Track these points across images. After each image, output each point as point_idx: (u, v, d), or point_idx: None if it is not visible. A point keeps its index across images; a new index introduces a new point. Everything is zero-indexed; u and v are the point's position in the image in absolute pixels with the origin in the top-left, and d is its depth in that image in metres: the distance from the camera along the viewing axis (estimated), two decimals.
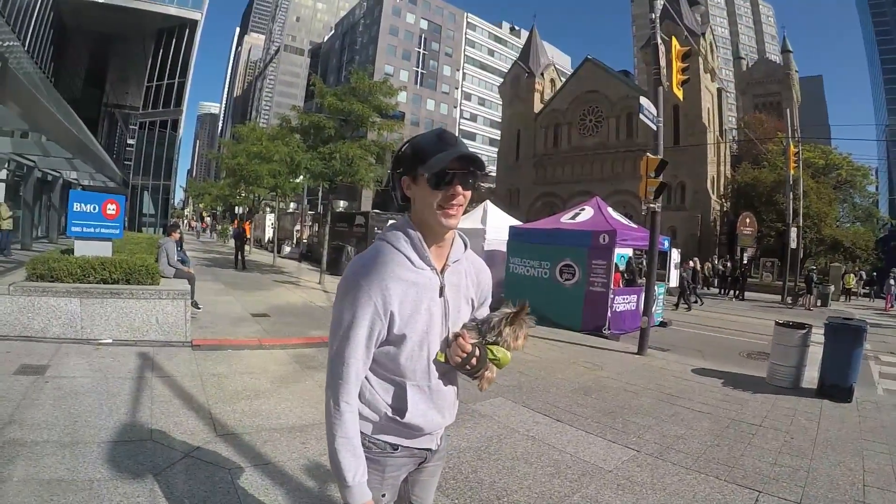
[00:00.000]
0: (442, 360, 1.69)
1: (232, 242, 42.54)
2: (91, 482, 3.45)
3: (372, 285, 1.57)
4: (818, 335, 7.93)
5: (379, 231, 13.66)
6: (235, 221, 39.31)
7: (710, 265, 30.89)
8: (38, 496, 3.21)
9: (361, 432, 1.65)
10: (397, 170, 1.72)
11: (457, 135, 1.70)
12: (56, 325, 7.19)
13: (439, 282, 1.69)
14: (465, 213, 1.67)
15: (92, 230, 8.53)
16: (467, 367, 1.68)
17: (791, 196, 27.37)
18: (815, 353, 7.94)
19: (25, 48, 26.32)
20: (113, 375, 5.84)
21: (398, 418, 1.68)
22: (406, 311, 1.61)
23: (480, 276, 1.89)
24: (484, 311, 1.92)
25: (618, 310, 12.08)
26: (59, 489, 3.32)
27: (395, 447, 1.74)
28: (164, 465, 3.80)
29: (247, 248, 34.98)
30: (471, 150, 1.59)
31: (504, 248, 14.38)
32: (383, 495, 1.74)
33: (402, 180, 1.69)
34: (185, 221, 64.13)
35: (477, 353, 1.68)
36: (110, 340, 7.28)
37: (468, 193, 1.63)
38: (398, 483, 1.82)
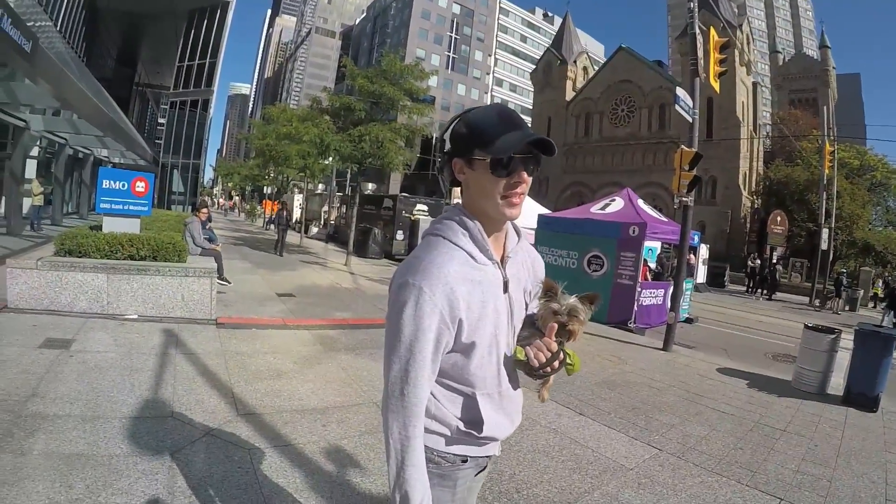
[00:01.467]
0: (521, 357, 1.48)
1: (260, 222, 43.20)
2: (111, 457, 3.47)
3: (436, 290, 1.35)
4: (846, 341, 7.74)
5: (406, 214, 13.64)
6: (274, 204, 39.60)
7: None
8: (58, 470, 3.23)
9: (430, 447, 1.49)
10: (447, 150, 1.51)
11: (514, 112, 1.48)
12: (83, 300, 7.28)
13: (503, 277, 1.51)
14: None
15: (120, 207, 8.60)
16: (546, 369, 1.46)
17: (824, 196, 26.74)
18: (842, 359, 7.74)
19: (57, 28, 26.65)
20: (137, 351, 5.89)
21: (475, 433, 1.51)
22: (474, 316, 1.42)
23: (536, 265, 1.72)
24: (534, 303, 1.67)
25: (644, 304, 11.93)
26: (79, 463, 3.34)
27: (465, 459, 1.56)
28: (184, 443, 3.81)
29: (273, 227, 35.63)
30: (535, 133, 1.40)
31: (532, 237, 14.27)
32: None
33: (454, 163, 1.48)
34: (214, 200, 64.85)
35: (561, 355, 1.47)
36: (136, 316, 7.36)
37: (530, 179, 1.44)
38: (466, 497, 1.64)
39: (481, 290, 1.43)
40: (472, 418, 1.52)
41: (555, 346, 1.46)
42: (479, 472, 1.66)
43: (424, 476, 1.40)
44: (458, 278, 1.38)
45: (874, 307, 27.14)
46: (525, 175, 1.41)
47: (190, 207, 34.79)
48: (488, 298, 1.45)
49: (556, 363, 1.47)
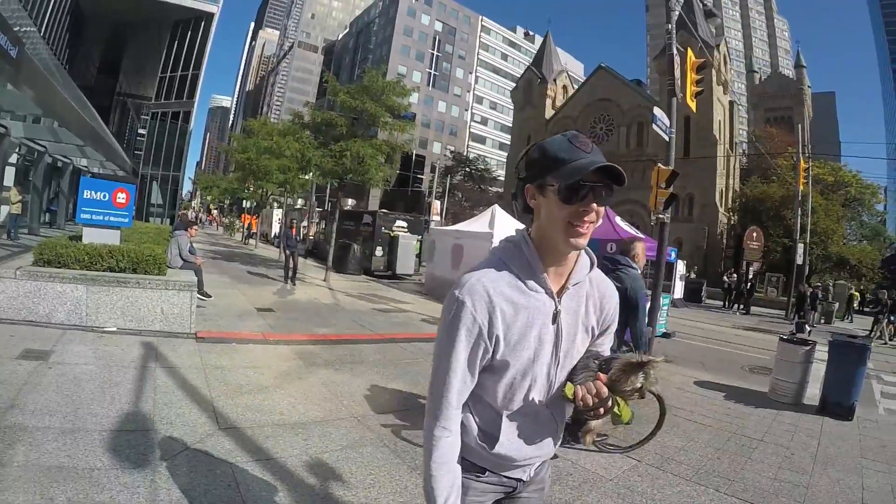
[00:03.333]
0: (569, 395, 1.48)
1: (238, 236, 42.77)
2: (91, 470, 3.45)
3: (478, 304, 1.41)
4: (821, 352, 7.91)
5: (385, 230, 13.69)
6: (253, 218, 39.07)
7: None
8: (38, 482, 3.21)
9: None
10: (521, 176, 1.52)
11: (588, 140, 1.46)
12: (61, 311, 7.21)
13: (554, 307, 1.51)
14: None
15: (101, 218, 8.56)
16: (591, 413, 1.46)
17: (799, 212, 27.25)
18: (818, 370, 7.90)
19: (41, 34, 26.44)
20: (116, 364, 5.85)
21: (486, 447, 1.55)
22: (513, 338, 1.45)
23: (605, 302, 1.65)
24: (606, 341, 1.72)
25: None
26: (60, 476, 3.32)
27: (482, 470, 1.60)
28: (165, 457, 3.80)
29: (252, 242, 35.41)
30: (608, 161, 1.37)
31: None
32: None
33: (527, 188, 1.50)
34: (194, 213, 64.24)
35: (609, 403, 1.45)
36: (115, 329, 7.30)
37: (601, 210, 1.44)
38: None
39: (527, 314, 1.46)
40: (490, 433, 1.56)
41: (605, 393, 1.44)
42: (511, 493, 1.70)
43: (451, 474, 1.47)
44: (501, 298, 1.43)
45: (850, 321, 27.60)
46: (594, 205, 1.40)
47: (169, 220, 34.53)
48: (533, 324, 1.47)
49: (602, 410, 1.46)
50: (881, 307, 20.90)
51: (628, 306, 4.63)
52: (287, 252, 16.15)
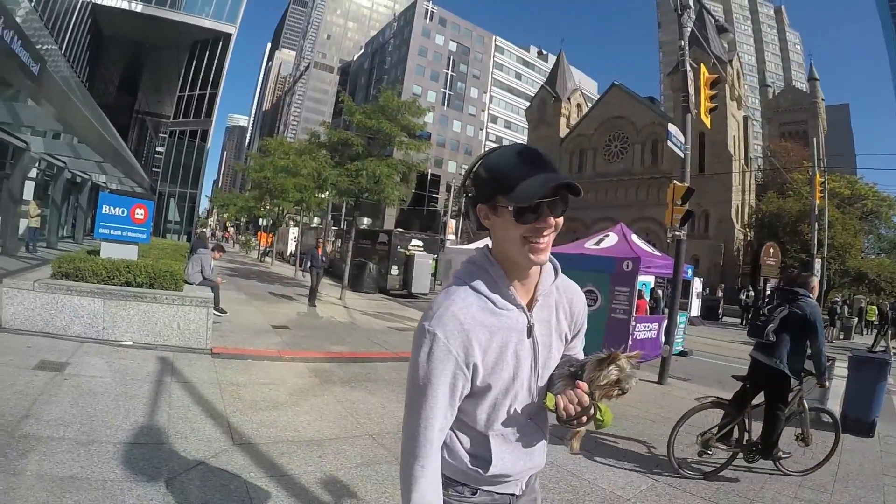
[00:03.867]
0: (551, 407, 1.46)
1: (255, 254, 42.98)
2: (105, 482, 3.45)
3: (451, 336, 1.35)
4: (841, 368, 7.77)
5: (401, 249, 13.72)
6: (269, 236, 39.10)
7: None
8: (51, 492, 3.21)
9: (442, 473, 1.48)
10: (470, 194, 1.46)
11: (537, 150, 1.40)
12: (78, 324, 7.27)
13: (527, 321, 1.47)
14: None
15: (119, 233, 8.66)
16: (574, 422, 1.44)
17: (816, 226, 26.99)
18: (838, 386, 7.76)
19: (63, 52, 26.90)
20: (132, 377, 5.88)
21: (480, 471, 1.51)
22: (490, 361, 1.41)
23: (574, 306, 1.64)
24: (578, 343, 1.71)
25: (639, 337, 11.92)
26: (73, 486, 3.32)
27: (473, 491, 1.55)
28: (179, 470, 3.79)
29: (268, 259, 35.55)
30: (560, 175, 1.33)
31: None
32: None
33: (479, 208, 1.43)
34: (210, 231, 64.75)
35: (591, 410, 1.45)
36: (131, 343, 7.34)
37: (560, 220, 1.39)
38: None
39: (501, 335, 1.42)
40: (481, 455, 1.51)
41: (587, 401, 1.43)
42: None
43: None
44: (474, 324, 1.38)
45: (869, 333, 27.22)
46: (551, 220, 1.36)
47: (186, 237, 34.79)
48: (508, 343, 1.44)
49: (585, 418, 1.45)
50: (885, 321, 21.07)
51: (808, 329, 4.87)
52: (313, 272, 15.47)
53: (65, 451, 3.80)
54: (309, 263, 16.05)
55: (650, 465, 5.13)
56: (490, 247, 1.50)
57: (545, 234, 1.36)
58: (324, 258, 16.38)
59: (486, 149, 1.56)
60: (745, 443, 5.19)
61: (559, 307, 1.59)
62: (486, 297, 1.43)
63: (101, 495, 3.27)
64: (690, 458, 5.29)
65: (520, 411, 1.52)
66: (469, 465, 1.51)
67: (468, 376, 1.39)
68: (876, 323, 29.44)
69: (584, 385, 1.45)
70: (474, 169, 1.45)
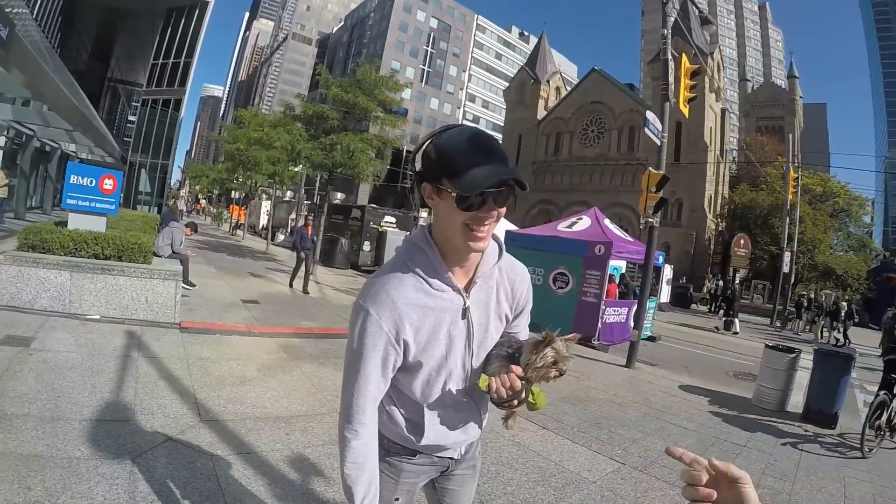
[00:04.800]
0: (483, 388, 1.51)
1: (226, 226, 42.45)
2: (70, 460, 3.40)
3: (382, 313, 1.41)
4: (805, 360, 7.96)
5: (374, 225, 13.66)
6: (241, 209, 38.49)
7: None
8: (16, 471, 3.16)
9: (379, 433, 1.58)
10: (417, 171, 1.46)
11: (490, 139, 1.39)
12: (44, 298, 7.12)
13: (462, 303, 1.51)
14: None
15: (87, 204, 8.46)
16: (505, 403, 1.53)
17: (787, 220, 27.45)
18: (802, 378, 7.96)
19: (33, 16, 26.09)
20: (99, 352, 5.79)
21: (414, 439, 1.60)
22: (422, 339, 1.46)
23: (516, 286, 1.66)
24: (522, 322, 1.74)
25: (608, 321, 12.08)
26: (38, 465, 3.27)
27: (413, 453, 1.65)
28: (145, 448, 3.75)
29: (239, 233, 35.13)
30: (508, 169, 1.33)
31: (501, 238, 14.30)
32: (396, 499, 1.68)
33: (423, 187, 1.43)
34: (182, 202, 63.75)
35: (523, 394, 1.53)
36: (98, 317, 7.22)
37: (503, 210, 1.40)
38: (414, 489, 1.74)
39: (434, 315, 1.47)
40: (416, 423, 1.60)
41: (518, 384, 1.47)
42: (444, 472, 1.76)
43: (366, 474, 1.48)
44: (407, 304, 1.43)
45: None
46: (494, 211, 1.37)
47: (157, 209, 34.23)
48: (441, 324, 1.48)
49: (516, 402, 1.53)
50: (819, 312, 22.64)
51: None
52: (301, 254, 13.95)
53: (30, 429, 3.73)
54: (298, 244, 14.20)
55: (616, 448, 5.20)
56: (430, 226, 1.53)
57: (486, 223, 1.38)
58: (314, 238, 14.90)
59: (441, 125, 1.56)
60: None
61: (500, 288, 1.61)
62: (422, 278, 1.46)
63: (67, 473, 3.23)
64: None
65: (454, 388, 1.58)
66: (406, 431, 1.60)
67: (399, 351, 1.45)
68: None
69: (517, 369, 1.49)
70: (423, 146, 1.45)
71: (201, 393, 5.07)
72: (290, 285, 13.96)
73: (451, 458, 1.73)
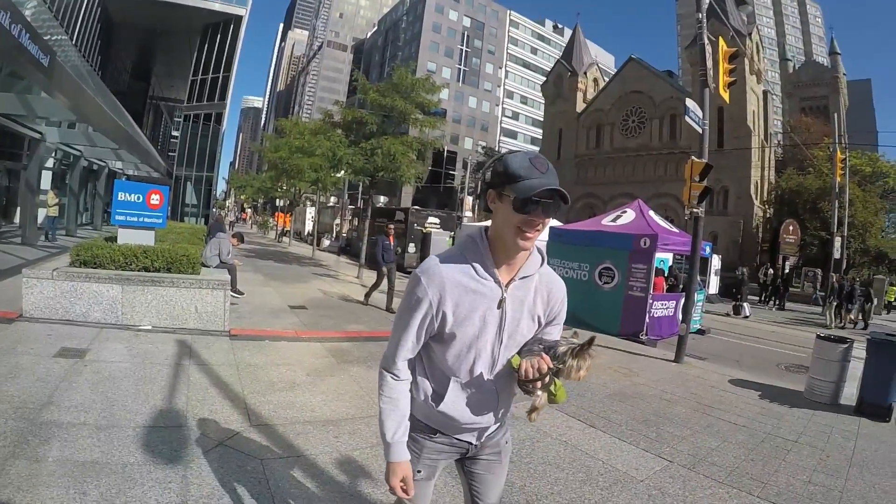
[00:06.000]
0: (515, 365, 1.77)
1: (272, 234, 43.16)
2: (124, 465, 3.51)
3: (431, 284, 1.74)
4: (858, 350, 7.67)
5: (418, 227, 13.84)
6: (286, 216, 38.91)
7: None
8: (72, 476, 3.28)
9: (411, 413, 1.88)
10: (486, 180, 1.79)
11: (547, 162, 1.73)
12: (97, 311, 7.37)
13: (501, 294, 1.78)
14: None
15: (135, 219, 8.72)
16: (530, 384, 1.77)
17: (836, 204, 26.58)
18: (855, 368, 7.67)
19: (73, 42, 27.00)
20: (151, 361, 5.96)
21: (434, 405, 1.86)
22: (460, 315, 1.75)
23: (552, 295, 1.94)
24: (555, 330, 1.98)
25: (656, 315, 11.88)
26: (93, 471, 3.38)
27: (433, 431, 1.93)
28: (197, 453, 3.84)
29: (285, 240, 35.70)
30: (557, 184, 1.64)
31: (544, 249, 14.21)
32: (418, 471, 1.92)
33: (489, 193, 1.77)
34: (227, 212, 65.08)
35: (547, 379, 1.77)
36: (149, 327, 7.43)
37: (548, 221, 1.73)
38: (435, 467, 1.99)
39: (474, 297, 1.76)
40: (438, 392, 1.88)
41: (545, 369, 1.72)
42: (467, 456, 2.03)
43: (399, 411, 1.83)
44: (453, 282, 1.74)
45: (888, 313, 26.91)
46: (542, 218, 1.67)
47: (203, 220, 35.05)
48: (478, 306, 1.77)
49: (540, 384, 1.77)
50: (832, 294, 21.23)
51: None
52: (383, 269, 12.58)
53: (85, 437, 3.86)
54: (381, 257, 12.62)
55: (664, 445, 5.11)
56: (488, 228, 1.82)
57: (535, 227, 1.68)
58: (397, 248, 12.97)
59: (501, 124, 1.87)
60: None
61: (538, 291, 1.89)
62: (470, 265, 1.77)
63: (121, 479, 3.33)
64: None
65: (481, 369, 1.85)
66: (428, 398, 1.88)
67: (437, 319, 1.76)
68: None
69: (547, 358, 1.74)
70: (495, 161, 1.77)
71: (251, 398, 5.17)
72: (366, 301, 12.56)
73: (469, 443, 1.98)
